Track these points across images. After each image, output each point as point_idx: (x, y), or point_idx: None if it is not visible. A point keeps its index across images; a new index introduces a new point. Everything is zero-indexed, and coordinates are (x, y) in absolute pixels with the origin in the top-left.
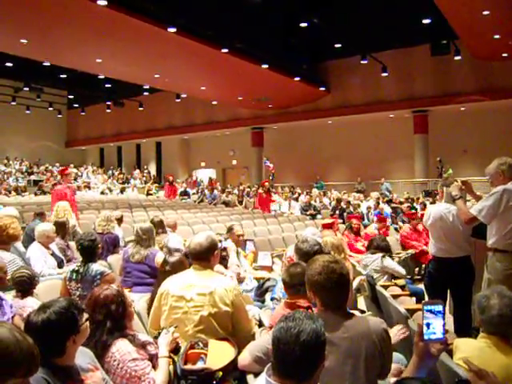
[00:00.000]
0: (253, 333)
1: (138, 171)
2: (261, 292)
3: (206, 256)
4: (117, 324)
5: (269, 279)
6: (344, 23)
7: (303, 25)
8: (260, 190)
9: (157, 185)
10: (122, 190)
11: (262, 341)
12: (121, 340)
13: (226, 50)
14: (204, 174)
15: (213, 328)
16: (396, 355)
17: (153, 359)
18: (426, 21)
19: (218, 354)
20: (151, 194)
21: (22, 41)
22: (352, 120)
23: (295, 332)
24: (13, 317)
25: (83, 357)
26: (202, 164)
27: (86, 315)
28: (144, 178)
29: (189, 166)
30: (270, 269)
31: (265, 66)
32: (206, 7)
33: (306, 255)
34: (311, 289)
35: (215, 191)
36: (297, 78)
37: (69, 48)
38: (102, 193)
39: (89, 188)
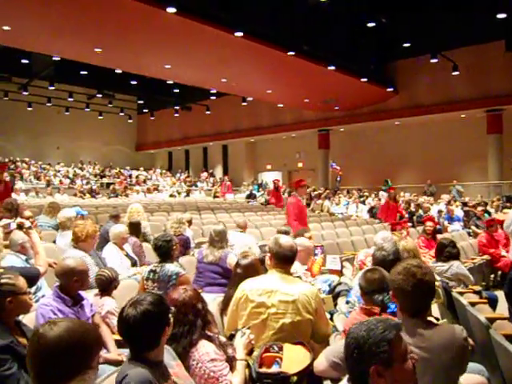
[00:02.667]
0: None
1: (205, 174)
2: (332, 297)
3: (292, 260)
4: (204, 322)
5: (340, 283)
6: (413, 21)
7: (371, 24)
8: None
9: None
10: (188, 192)
11: (339, 346)
12: (203, 339)
13: (292, 53)
14: (270, 177)
15: (292, 335)
16: (476, 366)
17: (231, 361)
18: (501, 15)
19: (294, 359)
20: (218, 197)
21: (96, 50)
22: (421, 121)
23: None
24: (93, 315)
25: (166, 353)
26: (268, 167)
27: (173, 308)
28: (212, 181)
29: (255, 169)
30: (338, 272)
31: (331, 68)
32: (272, 10)
33: (380, 263)
34: (391, 289)
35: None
36: (364, 79)
37: (139, 55)
38: (171, 195)
39: (158, 191)
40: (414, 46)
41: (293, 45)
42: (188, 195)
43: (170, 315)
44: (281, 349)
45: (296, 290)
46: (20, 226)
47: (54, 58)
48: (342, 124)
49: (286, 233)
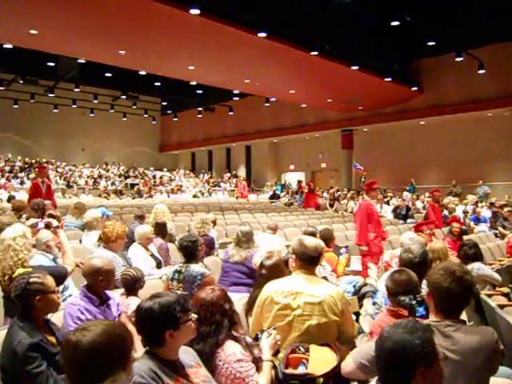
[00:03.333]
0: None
1: (228, 174)
2: (358, 298)
3: (317, 261)
4: (231, 323)
5: (366, 284)
6: (437, 20)
7: (395, 23)
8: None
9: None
10: (210, 192)
11: (367, 347)
12: (229, 340)
13: (315, 53)
14: (293, 177)
15: (318, 337)
16: (506, 370)
17: (257, 362)
18: None
19: (320, 360)
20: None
21: (121, 52)
22: (446, 120)
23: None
24: (119, 315)
25: (186, 354)
26: (291, 167)
27: (192, 315)
28: (235, 181)
29: (278, 170)
30: (361, 273)
31: (355, 67)
32: (295, 10)
33: (407, 265)
34: (428, 287)
35: (304, 194)
36: (388, 79)
37: (163, 57)
38: (195, 196)
39: (181, 191)
40: (438, 44)
41: (316, 45)
42: (210, 195)
43: (186, 319)
44: (307, 350)
45: (322, 291)
46: (48, 226)
47: (79, 61)
48: (365, 124)
49: (313, 234)
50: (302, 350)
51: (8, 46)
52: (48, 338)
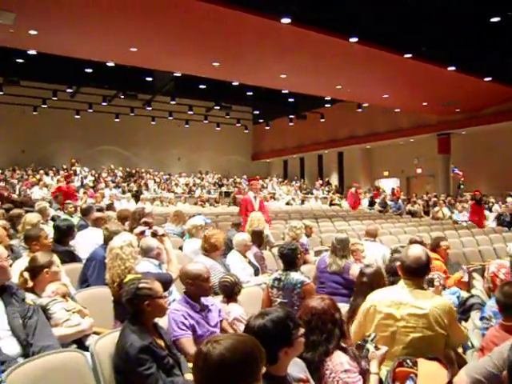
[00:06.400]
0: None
1: (320, 181)
2: (464, 309)
3: (422, 273)
4: (341, 332)
5: (472, 296)
6: None
7: (495, 19)
8: None
9: (339, 195)
10: (303, 200)
11: (482, 362)
12: (338, 350)
13: (409, 55)
14: (387, 184)
15: (424, 350)
16: None
17: (364, 374)
18: None
19: (430, 376)
20: (334, 204)
21: (214, 64)
22: None
23: None
24: (221, 321)
25: (295, 366)
26: (385, 173)
27: (302, 330)
28: (327, 188)
29: (371, 176)
30: (466, 284)
31: (451, 68)
32: (386, 13)
33: None
34: None
35: (400, 201)
36: (488, 78)
37: (255, 67)
38: (288, 203)
39: (274, 199)
40: None
41: (410, 46)
42: (303, 203)
43: (297, 337)
44: (415, 364)
45: (427, 303)
46: (154, 234)
47: (174, 74)
48: (463, 127)
49: (418, 243)
50: (410, 363)
51: (110, 63)
52: (157, 341)
